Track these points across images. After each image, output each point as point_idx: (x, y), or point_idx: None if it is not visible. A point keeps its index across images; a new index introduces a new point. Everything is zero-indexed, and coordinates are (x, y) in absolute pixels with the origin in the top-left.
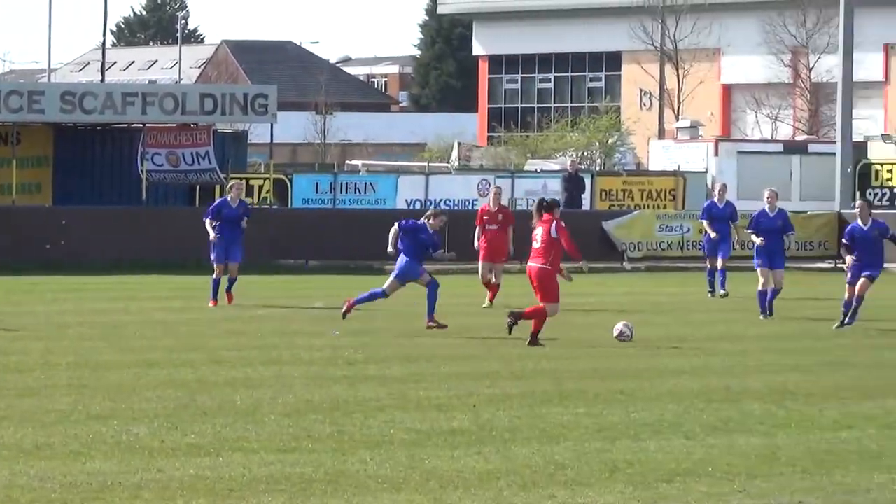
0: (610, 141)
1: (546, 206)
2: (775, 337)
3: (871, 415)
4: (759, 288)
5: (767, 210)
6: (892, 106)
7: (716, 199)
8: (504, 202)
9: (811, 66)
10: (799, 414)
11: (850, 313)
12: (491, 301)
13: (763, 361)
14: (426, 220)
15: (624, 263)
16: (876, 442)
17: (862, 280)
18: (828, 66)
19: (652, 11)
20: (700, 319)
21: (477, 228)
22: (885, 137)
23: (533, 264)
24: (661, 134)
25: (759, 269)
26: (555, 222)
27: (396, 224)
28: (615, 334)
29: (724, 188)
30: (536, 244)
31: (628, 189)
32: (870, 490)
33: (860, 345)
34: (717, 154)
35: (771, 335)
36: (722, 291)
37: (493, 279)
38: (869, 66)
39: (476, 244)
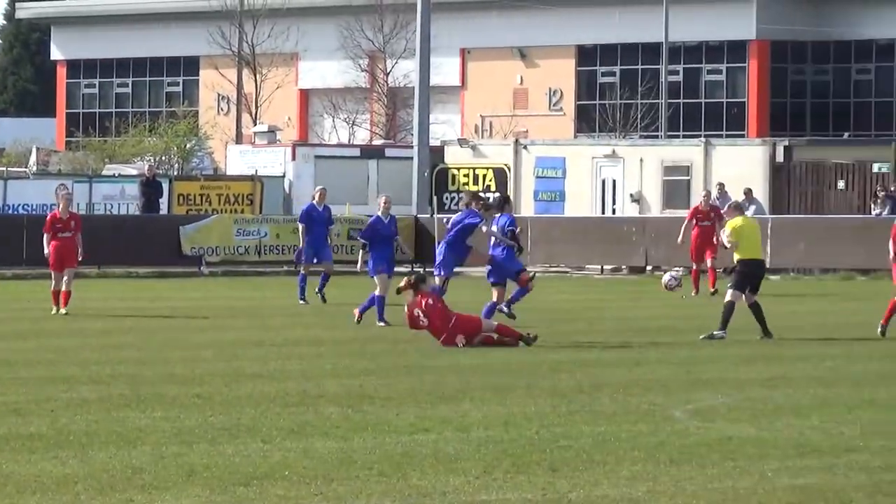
0: (188, 146)
1: (415, 284)
2: (352, 341)
3: (448, 418)
4: (377, 293)
5: (381, 216)
6: (469, 110)
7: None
8: (78, 207)
9: (388, 70)
10: (375, 417)
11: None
12: (64, 306)
13: (340, 365)
14: (469, 207)
15: (201, 268)
16: (452, 445)
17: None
18: (405, 71)
19: (230, 16)
20: (278, 323)
21: (45, 236)
22: (462, 142)
23: (441, 339)
24: (239, 139)
25: (376, 276)
26: (425, 302)
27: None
28: (665, 280)
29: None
30: (424, 322)
31: (206, 194)
32: (446, 493)
33: (436, 349)
34: (294, 159)
35: (348, 339)
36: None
37: (65, 286)
38: (446, 70)
39: (46, 252)
